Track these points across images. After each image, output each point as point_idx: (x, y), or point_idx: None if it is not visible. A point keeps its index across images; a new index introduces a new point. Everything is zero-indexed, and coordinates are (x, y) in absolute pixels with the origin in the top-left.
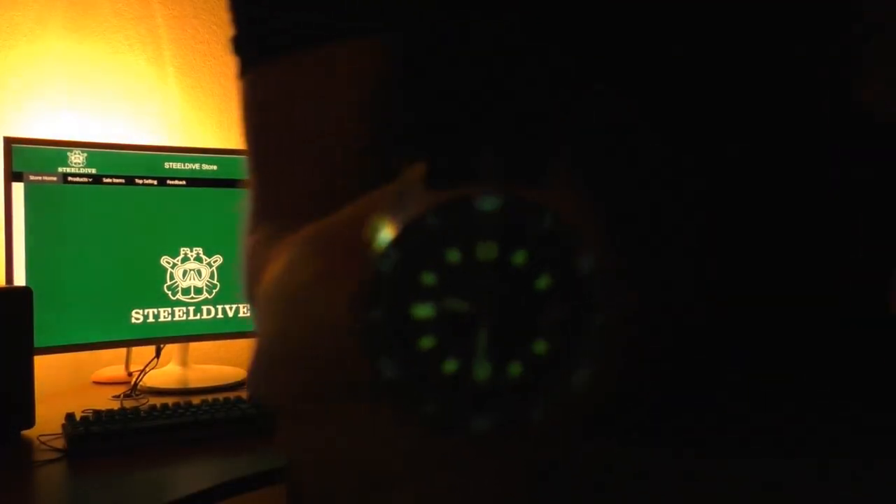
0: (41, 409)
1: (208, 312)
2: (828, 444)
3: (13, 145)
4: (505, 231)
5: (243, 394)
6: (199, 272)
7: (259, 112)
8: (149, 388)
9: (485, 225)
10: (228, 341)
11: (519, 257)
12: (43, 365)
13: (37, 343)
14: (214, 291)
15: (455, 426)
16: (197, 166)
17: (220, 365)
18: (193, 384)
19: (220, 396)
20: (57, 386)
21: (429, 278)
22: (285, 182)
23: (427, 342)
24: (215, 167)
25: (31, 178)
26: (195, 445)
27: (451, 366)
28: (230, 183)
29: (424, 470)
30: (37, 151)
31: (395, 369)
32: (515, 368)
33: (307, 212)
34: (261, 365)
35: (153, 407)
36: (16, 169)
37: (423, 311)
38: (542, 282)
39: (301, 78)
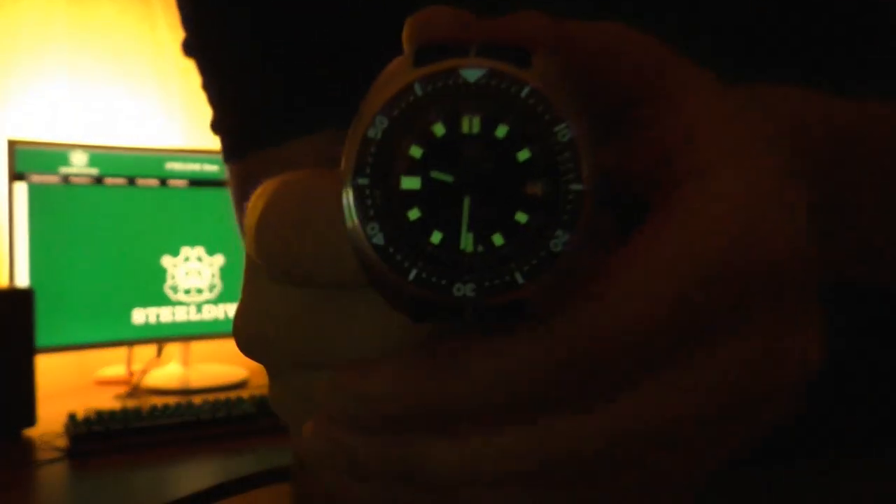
0: (43, 409)
1: (209, 312)
2: None
3: (15, 146)
4: (488, 102)
5: (244, 393)
6: (200, 272)
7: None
8: (150, 387)
9: (469, 95)
10: (229, 341)
11: (501, 130)
12: (45, 364)
13: (38, 343)
14: (216, 291)
15: (441, 291)
16: (198, 167)
17: (221, 365)
18: (194, 384)
19: (222, 396)
20: (59, 385)
21: (416, 150)
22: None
23: (414, 213)
24: (216, 168)
25: (34, 178)
26: (196, 445)
27: (436, 236)
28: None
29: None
30: (39, 152)
31: (383, 235)
32: (498, 238)
33: None
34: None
35: (154, 406)
36: (18, 169)
37: (411, 182)
38: (524, 154)
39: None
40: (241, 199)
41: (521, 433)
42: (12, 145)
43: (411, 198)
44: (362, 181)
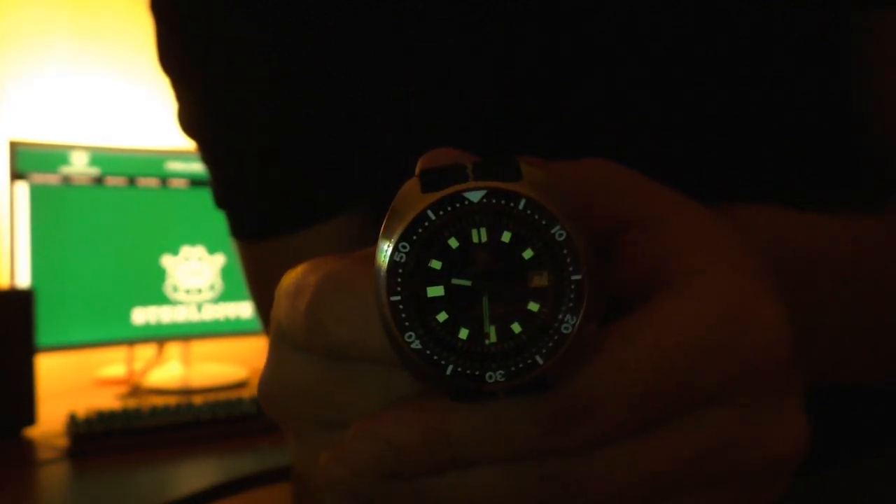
0: (44, 409)
1: (210, 312)
2: None
3: (16, 146)
4: (491, 216)
5: (244, 393)
6: (200, 272)
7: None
8: (150, 387)
9: (474, 213)
10: (230, 341)
11: (505, 236)
12: (45, 364)
13: (39, 343)
14: (216, 291)
15: (476, 381)
16: (198, 167)
17: (221, 364)
18: (195, 383)
19: (222, 396)
20: (59, 385)
21: (435, 263)
22: None
23: (442, 316)
24: None
25: (34, 178)
26: (196, 445)
27: (464, 333)
28: None
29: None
30: (39, 152)
31: (420, 342)
32: (516, 327)
33: None
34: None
35: (154, 406)
36: (19, 169)
37: (436, 291)
38: (527, 253)
39: (300, 248)
40: (256, 276)
41: (520, 473)
42: (13, 145)
43: (438, 304)
44: (395, 298)
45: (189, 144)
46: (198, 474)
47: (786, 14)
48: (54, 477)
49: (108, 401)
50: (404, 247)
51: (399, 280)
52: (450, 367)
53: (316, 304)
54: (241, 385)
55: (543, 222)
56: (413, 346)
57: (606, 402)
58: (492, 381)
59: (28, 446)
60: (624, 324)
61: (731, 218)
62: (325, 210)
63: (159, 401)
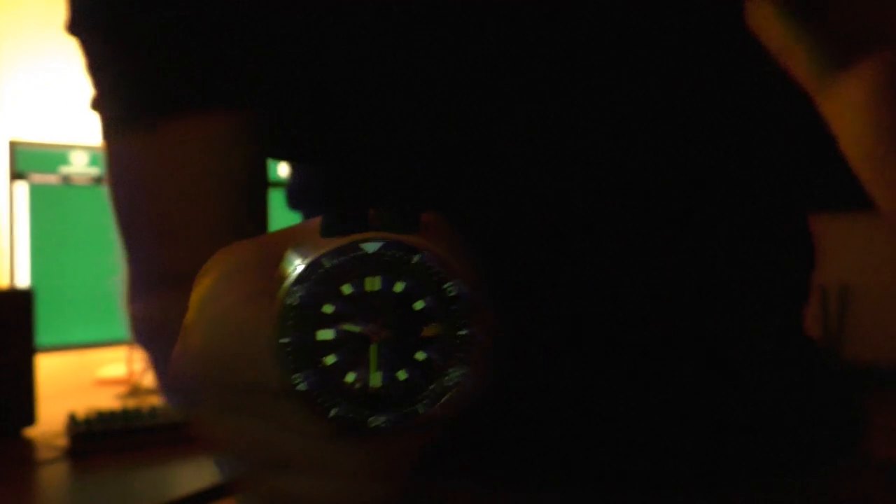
0: (43, 408)
1: None
2: None
3: (16, 146)
4: (386, 267)
5: None
6: None
7: (140, 176)
8: (150, 387)
9: (369, 263)
10: None
11: (398, 286)
12: (45, 364)
13: (38, 343)
14: None
15: (358, 424)
16: None
17: None
18: None
19: None
20: (59, 385)
21: (328, 308)
22: (166, 251)
23: (330, 359)
24: None
25: (34, 178)
26: (196, 444)
27: (350, 377)
28: None
29: (320, 459)
30: (39, 152)
31: (306, 383)
32: (402, 374)
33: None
34: (187, 370)
35: (154, 406)
36: (19, 169)
37: (325, 334)
38: (419, 304)
39: (185, 139)
40: (118, 176)
41: None
42: (13, 145)
43: (327, 347)
44: (284, 340)
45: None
46: (198, 474)
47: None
48: (54, 477)
49: (108, 401)
50: (296, 290)
51: (290, 323)
52: (334, 410)
53: (216, 351)
54: None
55: (436, 277)
56: (299, 387)
57: None
58: (374, 425)
59: (28, 446)
60: None
61: None
62: (216, 96)
63: (159, 401)
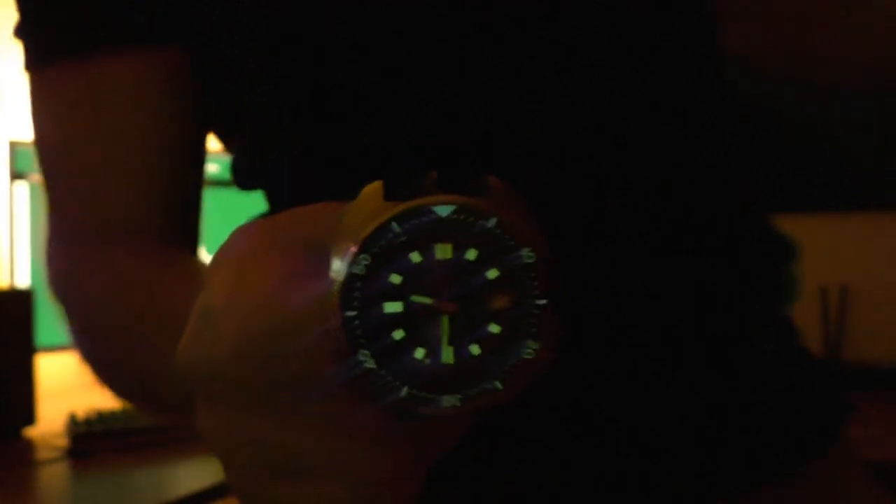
0: (43, 408)
1: None
2: None
3: (16, 146)
4: (457, 232)
5: None
6: None
7: (67, 111)
8: None
9: (441, 228)
10: None
11: (471, 254)
12: (45, 364)
13: (38, 343)
14: None
15: (429, 405)
16: None
17: None
18: None
19: None
20: (58, 385)
21: (395, 278)
22: (102, 192)
23: (398, 334)
24: (216, 167)
25: (35, 178)
26: (196, 445)
27: (420, 353)
28: (231, 183)
29: (340, 469)
30: None
31: (373, 360)
32: (475, 349)
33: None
34: (212, 364)
35: None
36: (19, 169)
37: (394, 307)
38: (492, 273)
39: (108, 77)
40: (40, 110)
41: None
42: (13, 145)
43: (395, 321)
44: (350, 314)
45: None
46: (198, 474)
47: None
48: (54, 477)
49: (108, 401)
50: (364, 259)
51: (356, 294)
52: (404, 389)
53: (252, 351)
54: None
55: (509, 244)
56: (366, 364)
57: None
58: (448, 404)
59: (28, 446)
60: None
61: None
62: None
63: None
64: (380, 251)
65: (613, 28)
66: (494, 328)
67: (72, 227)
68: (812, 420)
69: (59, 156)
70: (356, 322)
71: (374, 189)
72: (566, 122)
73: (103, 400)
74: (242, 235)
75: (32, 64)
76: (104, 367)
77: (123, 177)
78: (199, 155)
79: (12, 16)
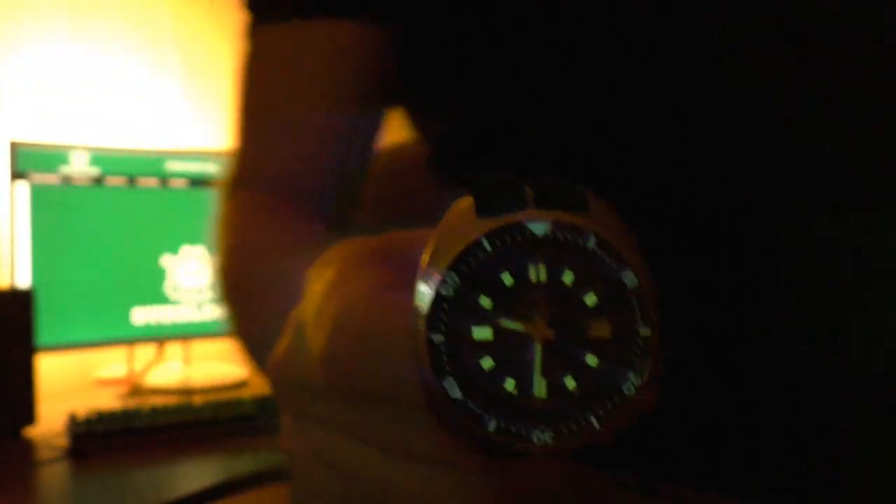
0: (43, 408)
1: (210, 312)
2: None
3: (16, 146)
4: (553, 253)
5: (244, 393)
6: (200, 272)
7: (266, 68)
8: (150, 387)
9: (535, 247)
10: (230, 341)
11: (567, 277)
12: (45, 364)
13: (39, 342)
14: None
15: (518, 442)
16: (198, 167)
17: (221, 364)
18: (195, 383)
19: (222, 396)
20: (59, 385)
21: (485, 301)
22: (272, 148)
23: (487, 363)
24: (217, 168)
25: (34, 178)
26: (196, 445)
27: (510, 384)
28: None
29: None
30: (39, 152)
31: (459, 390)
32: (570, 382)
33: (290, 184)
34: (300, 374)
35: (154, 406)
36: (19, 169)
37: (482, 333)
38: (590, 298)
39: (310, 42)
40: (248, 67)
41: None
42: (13, 145)
43: (484, 348)
44: (437, 338)
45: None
46: (198, 474)
47: None
48: (54, 477)
49: (108, 401)
50: (452, 278)
51: (443, 317)
52: (492, 423)
53: (345, 356)
54: (241, 385)
55: (613, 265)
56: (452, 394)
57: None
58: (540, 441)
59: (28, 446)
60: None
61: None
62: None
63: (159, 401)
64: (469, 272)
65: (613, 28)
66: (592, 360)
67: (250, 175)
68: (812, 420)
69: (255, 108)
70: (442, 347)
71: (465, 204)
72: (566, 122)
73: (103, 400)
74: (339, 252)
75: (252, 24)
76: (242, 316)
77: (304, 138)
78: (374, 135)
79: (13, 15)
